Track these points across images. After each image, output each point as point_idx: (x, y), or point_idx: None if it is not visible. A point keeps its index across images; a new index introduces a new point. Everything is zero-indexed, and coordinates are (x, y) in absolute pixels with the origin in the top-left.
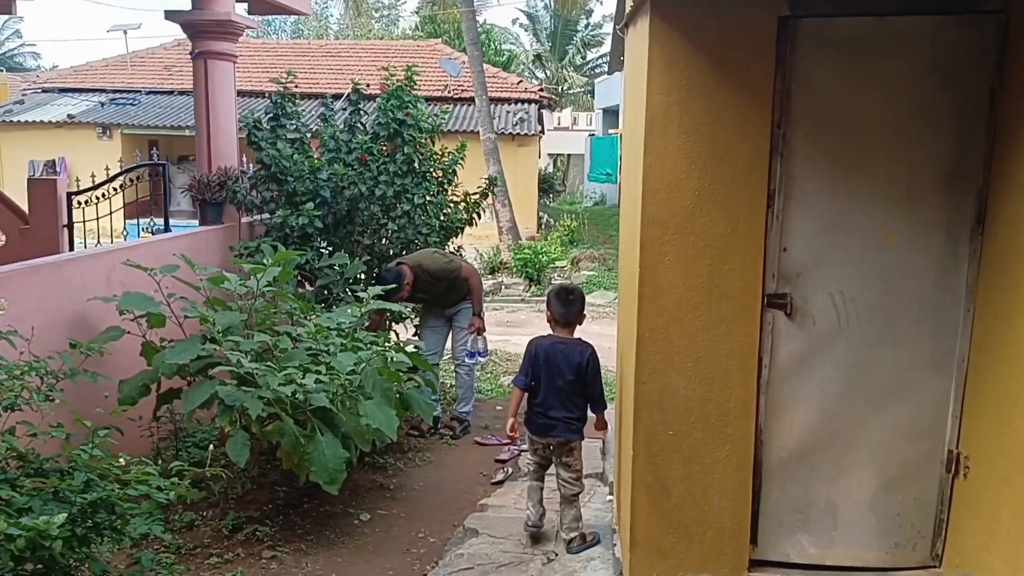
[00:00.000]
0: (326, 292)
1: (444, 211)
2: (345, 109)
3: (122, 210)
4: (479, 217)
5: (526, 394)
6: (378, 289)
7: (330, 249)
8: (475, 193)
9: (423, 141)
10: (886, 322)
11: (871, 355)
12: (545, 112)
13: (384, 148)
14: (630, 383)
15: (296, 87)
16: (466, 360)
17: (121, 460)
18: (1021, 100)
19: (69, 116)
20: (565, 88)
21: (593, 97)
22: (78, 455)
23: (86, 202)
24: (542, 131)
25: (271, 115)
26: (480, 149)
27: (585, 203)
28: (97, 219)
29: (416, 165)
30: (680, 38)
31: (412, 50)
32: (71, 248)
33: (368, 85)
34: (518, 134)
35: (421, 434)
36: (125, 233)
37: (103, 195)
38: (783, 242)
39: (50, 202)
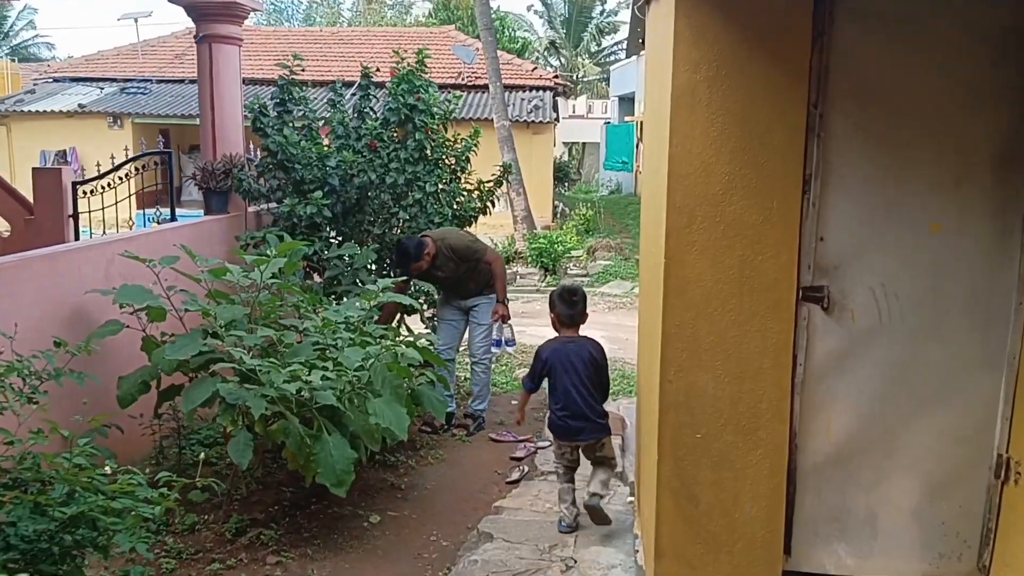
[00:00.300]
0: (336, 283)
1: (457, 199)
2: (355, 95)
3: (133, 199)
4: (493, 206)
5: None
6: (388, 281)
7: (339, 239)
8: (489, 181)
9: (435, 127)
10: (931, 317)
11: (915, 352)
12: (560, 100)
13: (395, 135)
14: (654, 382)
15: (303, 71)
16: (492, 349)
17: (107, 468)
18: None
19: (80, 105)
20: (580, 76)
21: (608, 85)
22: (59, 464)
23: (91, 192)
24: (557, 119)
25: (277, 100)
26: (494, 137)
27: (601, 192)
28: (103, 209)
29: (428, 152)
30: (709, 9)
31: (425, 37)
32: (76, 239)
33: (378, 69)
34: (533, 122)
35: (434, 431)
36: (131, 223)
37: (108, 184)
38: (820, 231)
39: (55, 192)
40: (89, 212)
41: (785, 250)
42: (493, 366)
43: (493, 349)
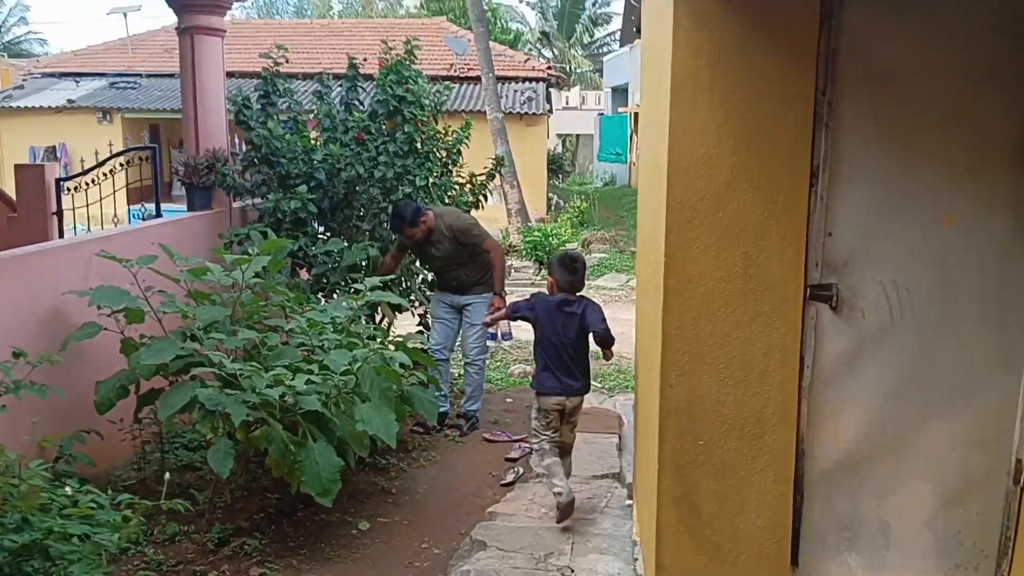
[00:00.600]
0: (323, 281)
1: (449, 193)
2: (343, 86)
3: (124, 195)
4: (485, 199)
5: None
6: (376, 280)
7: (328, 235)
8: (481, 174)
9: (425, 119)
10: (945, 315)
11: (928, 352)
12: (553, 91)
13: (384, 127)
14: (654, 387)
15: (287, 63)
16: (488, 343)
17: (68, 489)
18: None
19: (69, 101)
20: (573, 67)
21: (602, 76)
22: (10, 488)
23: (75, 188)
24: (550, 110)
25: (261, 93)
26: (487, 129)
27: (595, 183)
28: (86, 206)
29: (418, 145)
30: None
31: (417, 28)
32: (61, 236)
33: (365, 59)
34: (526, 113)
35: (426, 431)
36: (115, 220)
37: (93, 181)
38: (828, 226)
39: (38, 189)
40: (73, 209)
41: (791, 246)
42: (489, 361)
43: (489, 343)
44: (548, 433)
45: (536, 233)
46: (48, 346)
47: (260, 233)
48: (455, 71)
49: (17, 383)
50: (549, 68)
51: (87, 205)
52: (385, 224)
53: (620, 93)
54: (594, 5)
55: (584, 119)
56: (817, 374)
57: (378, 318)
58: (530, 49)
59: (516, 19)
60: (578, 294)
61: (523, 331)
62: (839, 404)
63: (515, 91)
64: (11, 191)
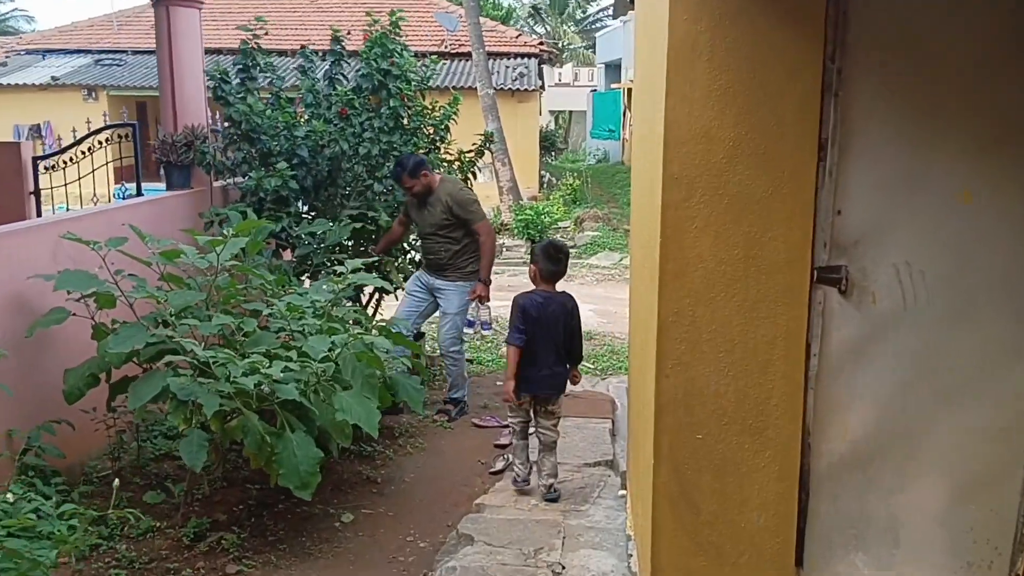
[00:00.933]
0: (307, 262)
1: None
2: (326, 60)
3: (111, 174)
4: (475, 177)
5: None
6: (359, 262)
7: (313, 214)
8: (470, 151)
9: (411, 94)
10: (962, 299)
11: (943, 339)
12: (545, 67)
13: (368, 102)
14: (649, 377)
15: (266, 35)
16: (465, 330)
17: (9, 496)
18: None
19: (53, 78)
20: (565, 43)
21: (594, 52)
22: None
23: (53, 167)
24: (542, 87)
25: (240, 67)
26: (478, 106)
27: (588, 161)
28: (65, 185)
29: (404, 121)
30: None
31: (407, 4)
32: (39, 216)
33: (349, 33)
34: (518, 89)
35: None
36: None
37: (71, 159)
38: (837, 204)
39: (14, 168)
40: (55, 188)
41: (798, 226)
42: (479, 343)
43: (466, 330)
44: (519, 416)
45: (528, 211)
46: (15, 332)
47: (240, 213)
48: (446, 47)
49: None
50: (541, 44)
51: (65, 184)
52: (372, 201)
53: (613, 69)
54: None
55: (577, 95)
56: (824, 363)
57: (364, 300)
58: (522, 25)
59: None
60: (563, 291)
61: (504, 310)
62: (847, 395)
63: (506, 67)
64: None
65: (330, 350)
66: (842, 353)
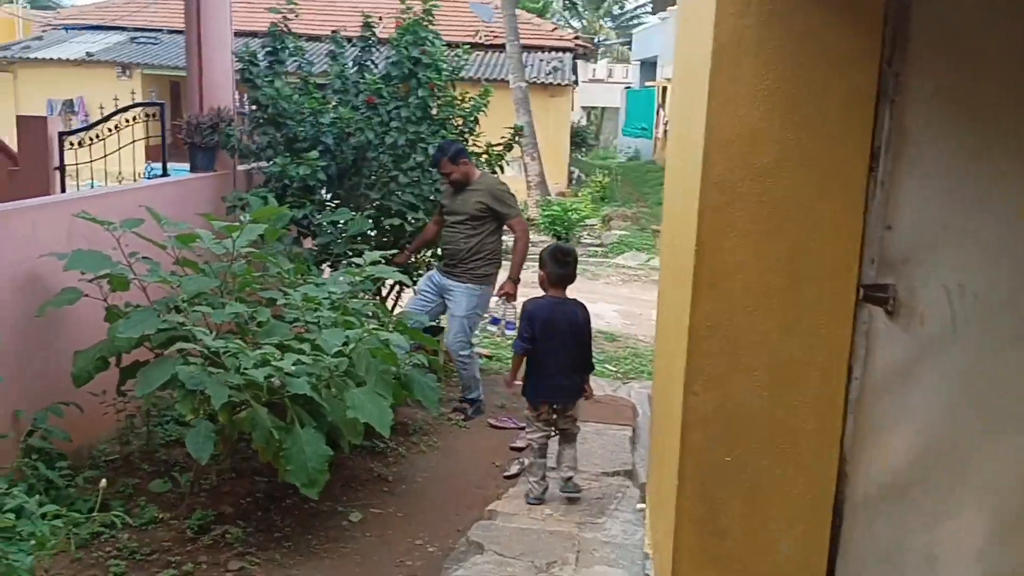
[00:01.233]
0: (327, 250)
1: None
2: (356, 46)
3: (143, 152)
4: (502, 171)
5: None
6: (377, 255)
7: (336, 203)
8: (498, 144)
9: (441, 84)
10: (1017, 325)
11: (992, 364)
12: (580, 62)
13: (397, 91)
14: (676, 392)
15: (296, 17)
16: (489, 327)
17: None
18: None
19: (88, 54)
20: (601, 39)
21: (630, 49)
22: None
23: (79, 143)
24: (576, 82)
25: (268, 49)
26: (510, 98)
27: (619, 158)
28: (91, 162)
29: (432, 111)
30: None
31: None
32: (63, 191)
33: (380, 19)
34: (550, 84)
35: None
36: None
37: (97, 136)
38: (888, 217)
39: (40, 142)
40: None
41: (845, 239)
42: (500, 341)
43: (490, 328)
44: (541, 428)
45: (555, 207)
46: (25, 311)
47: (260, 199)
48: (481, 38)
49: None
50: (577, 39)
51: (90, 161)
52: (396, 194)
53: (649, 67)
54: None
55: (610, 92)
56: (867, 386)
57: (384, 292)
58: (558, 19)
59: None
60: (574, 299)
61: None
62: (890, 421)
63: (540, 60)
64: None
65: (344, 344)
66: (886, 377)
